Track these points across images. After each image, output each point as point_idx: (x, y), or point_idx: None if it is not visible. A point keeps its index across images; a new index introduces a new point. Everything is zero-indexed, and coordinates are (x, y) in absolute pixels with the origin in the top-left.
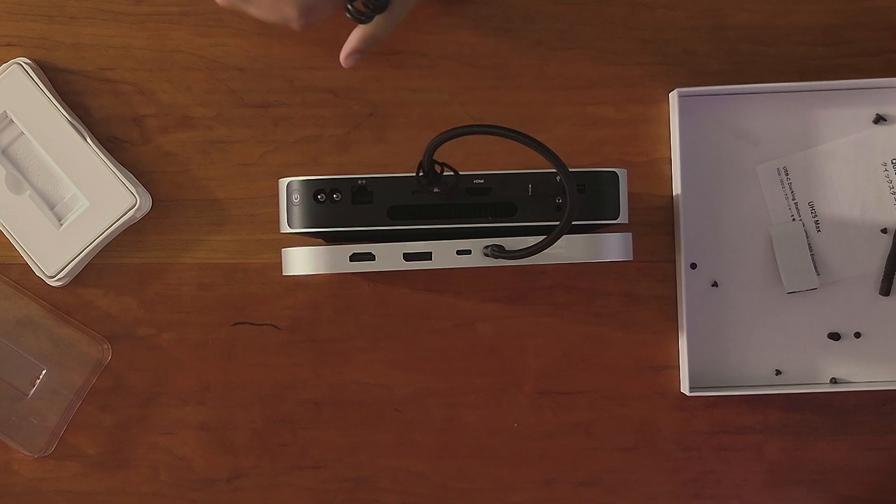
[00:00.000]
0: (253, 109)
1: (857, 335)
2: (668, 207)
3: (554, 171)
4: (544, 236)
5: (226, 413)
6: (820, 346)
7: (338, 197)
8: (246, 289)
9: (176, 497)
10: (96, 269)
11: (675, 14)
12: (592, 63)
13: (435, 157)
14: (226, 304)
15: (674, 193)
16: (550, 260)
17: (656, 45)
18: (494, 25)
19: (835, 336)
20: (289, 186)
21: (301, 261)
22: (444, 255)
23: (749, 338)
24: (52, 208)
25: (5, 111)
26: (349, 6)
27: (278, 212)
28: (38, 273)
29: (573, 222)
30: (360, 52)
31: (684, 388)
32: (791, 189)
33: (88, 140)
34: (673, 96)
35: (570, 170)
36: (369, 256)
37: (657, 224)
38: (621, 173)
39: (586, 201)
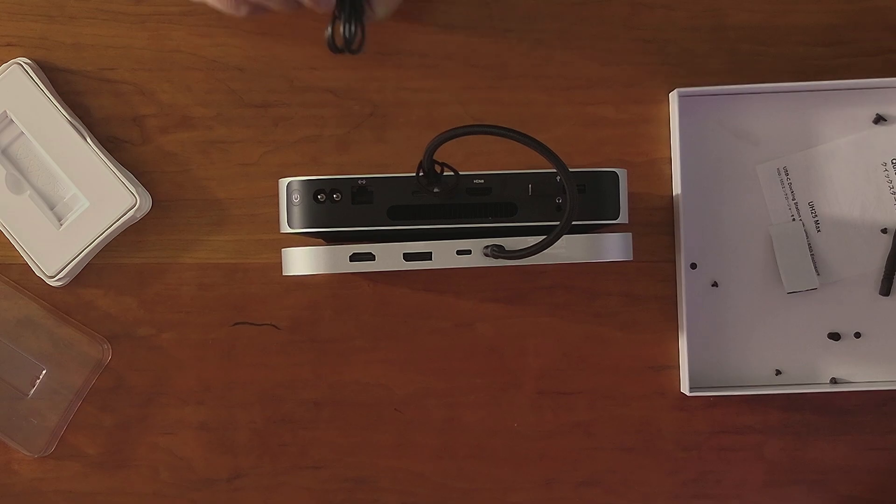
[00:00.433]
0: (253, 109)
1: (857, 335)
2: (668, 207)
3: (554, 171)
4: (544, 236)
5: (226, 413)
6: (820, 346)
7: (338, 197)
8: (246, 289)
9: (176, 497)
10: (96, 269)
11: (675, 14)
12: (592, 63)
13: (435, 157)
14: (226, 304)
15: (674, 193)
16: (550, 260)
17: (656, 45)
18: (494, 25)
19: (835, 336)
20: (289, 186)
21: (301, 261)
22: (444, 255)
23: (749, 338)
24: (52, 208)
25: (5, 111)
26: (330, 34)
27: (278, 212)
28: (38, 273)
29: (573, 222)
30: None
31: (684, 388)
32: (791, 189)
33: (88, 140)
34: (673, 96)
35: (570, 170)
36: (369, 256)
37: (657, 224)
38: (621, 173)
39: (586, 201)
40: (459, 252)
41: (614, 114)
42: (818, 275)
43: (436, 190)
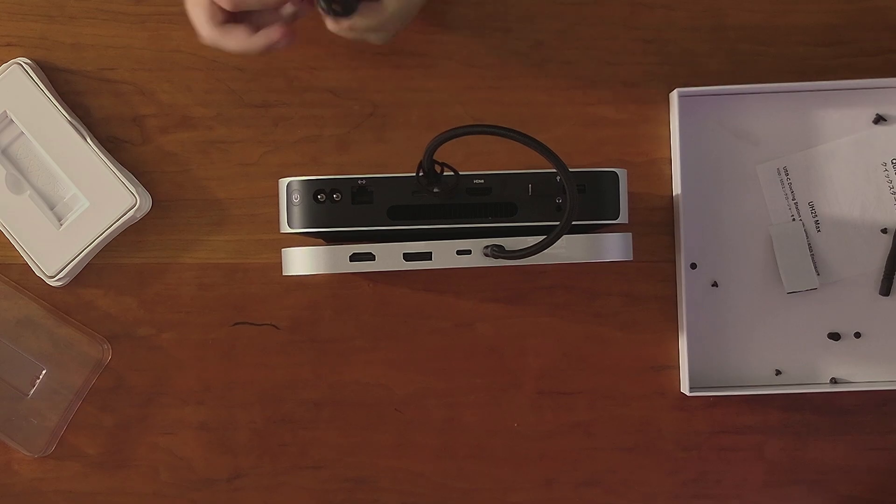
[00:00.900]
0: (253, 109)
1: (857, 335)
2: (668, 207)
3: (554, 171)
4: (544, 236)
5: (226, 413)
6: (820, 346)
7: (338, 197)
8: (246, 289)
9: (176, 497)
10: (96, 269)
11: (675, 14)
12: (592, 63)
13: (435, 157)
14: (226, 304)
15: (674, 193)
16: (550, 260)
17: (656, 45)
18: (494, 25)
19: (835, 336)
20: (289, 186)
21: (301, 261)
22: (444, 255)
23: (749, 338)
24: (52, 208)
25: (5, 111)
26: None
27: (278, 212)
28: (38, 273)
29: (573, 222)
30: (343, 31)
31: (684, 388)
32: (791, 189)
33: (88, 140)
34: (673, 96)
35: (570, 170)
36: (369, 256)
37: (657, 224)
38: (621, 173)
39: (586, 201)
40: (459, 252)
41: (614, 114)
42: (818, 275)
43: (436, 190)
